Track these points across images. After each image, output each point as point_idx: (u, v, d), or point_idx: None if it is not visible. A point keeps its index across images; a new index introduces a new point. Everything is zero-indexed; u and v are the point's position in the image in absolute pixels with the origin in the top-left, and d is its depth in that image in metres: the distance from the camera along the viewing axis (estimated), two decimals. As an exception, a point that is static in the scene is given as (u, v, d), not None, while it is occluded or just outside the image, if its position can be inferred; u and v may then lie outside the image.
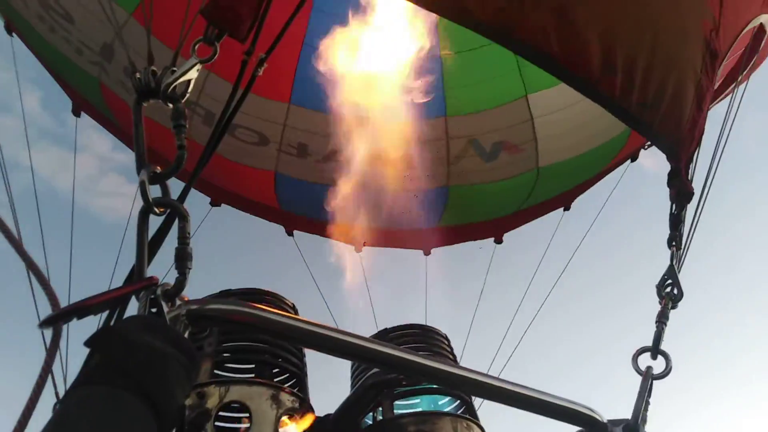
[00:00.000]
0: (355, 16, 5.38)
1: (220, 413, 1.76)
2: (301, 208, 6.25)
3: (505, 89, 5.77)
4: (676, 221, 1.88)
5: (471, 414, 2.02)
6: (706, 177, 2.11)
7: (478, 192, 5.82)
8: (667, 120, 1.87)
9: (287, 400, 1.82)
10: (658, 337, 1.76)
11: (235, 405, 1.76)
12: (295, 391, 1.89)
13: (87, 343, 1.09)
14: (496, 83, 5.81)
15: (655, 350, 1.74)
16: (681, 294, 1.82)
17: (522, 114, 5.66)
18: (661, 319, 1.78)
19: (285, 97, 5.83)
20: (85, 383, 1.05)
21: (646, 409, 1.63)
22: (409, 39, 5.55)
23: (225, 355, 1.92)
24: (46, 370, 1.19)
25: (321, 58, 5.51)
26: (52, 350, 1.20)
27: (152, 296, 1.26)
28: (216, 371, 1.86)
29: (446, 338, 2.31)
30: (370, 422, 2.04)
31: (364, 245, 6.22)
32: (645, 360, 1.79)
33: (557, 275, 5.48)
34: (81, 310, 1.17)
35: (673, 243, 1.87)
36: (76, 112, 5.52)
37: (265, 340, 1.94)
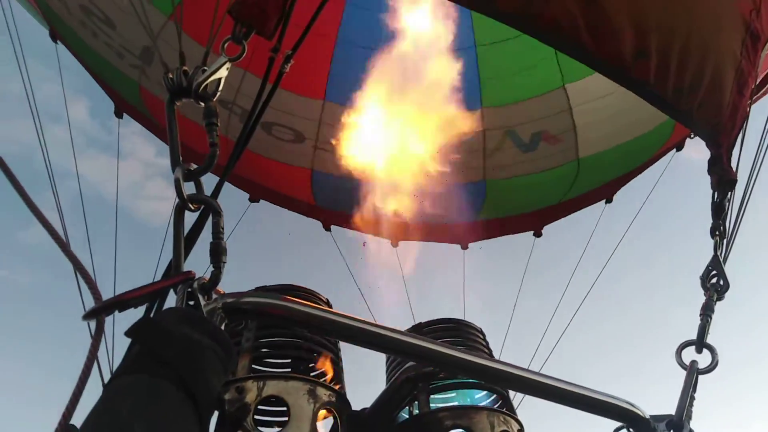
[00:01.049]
0: (389, 10, 5.37)
1: (259, 407, 1.78)
2: (338, 204, 6.30)
3: (542, 79, 5.66)
4: (718, 210, 1.84)
5: (508, 408, 1.99)
6: (752, 164, 2.01)
7: (517, 184, 5.74)
8: (705, 106, 1.82)
9: (324, 394, 1.83)
10: (702, 330, 1.71)
11: (273, 399, 1.78)
12: (331, 385, 1.91)
13: (128, 334, 1.13)
14: (532, 73, 5.71)
15: (700, 344, 1.70)
16: (727, 285, 1.76)
17: (561, 103, 5.55)
18: (706, 312, 1.73)
19: (320, 94, 5.88)
20: (127, 372, 1.09)
21: (691, 405, 1.58)
22: (443, 31, 5.50)
23: (262, 350, 1.94)
24: (91, 359, 1.25)
25: (355, 54, 5.53)
26: (96, 341, 1.25)
27: (189, 290, 1.30)
28: (254, 366, 1.89)
29: (481, 332, 2.28)
30: (407, 416, 2.04)
31: (401, 240, 6.22)
32: (689, 354, 1.73)
33: (598, 270, 5.34)
34: (121, 303, 1.22)
35: (717, 232, 1.83)
36: (118, 114, 5.70)
37: (301, 335, 1.97)
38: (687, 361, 1.70)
